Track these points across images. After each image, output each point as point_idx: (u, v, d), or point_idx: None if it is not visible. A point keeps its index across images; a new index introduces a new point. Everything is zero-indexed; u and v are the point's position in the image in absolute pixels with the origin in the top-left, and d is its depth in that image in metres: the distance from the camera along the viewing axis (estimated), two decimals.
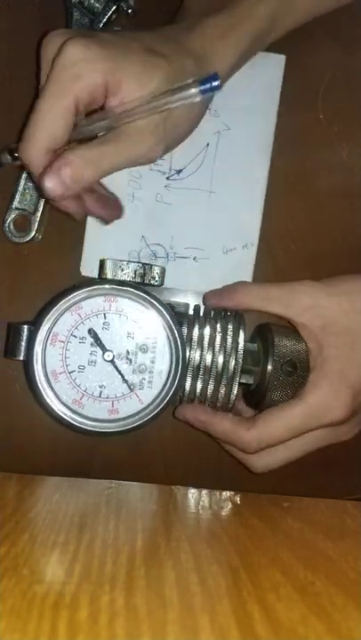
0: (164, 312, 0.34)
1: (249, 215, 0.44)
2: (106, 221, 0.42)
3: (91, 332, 0.35)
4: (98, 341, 0.35)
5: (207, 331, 0.38)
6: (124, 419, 0.36)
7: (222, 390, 0.38)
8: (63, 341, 0.35)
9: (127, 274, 0.37)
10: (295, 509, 0.36)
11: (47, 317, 0.34)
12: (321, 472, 0.46)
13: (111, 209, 0.41)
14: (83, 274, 0.44)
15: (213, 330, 0.38)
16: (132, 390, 0.36)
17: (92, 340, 0.35)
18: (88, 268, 0.43)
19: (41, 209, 0.43)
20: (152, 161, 0.37)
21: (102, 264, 0.39)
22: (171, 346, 0.35)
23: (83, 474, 0.43)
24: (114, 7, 0.42)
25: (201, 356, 0.38)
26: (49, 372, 0.35)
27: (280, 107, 0.44)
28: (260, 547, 0.28)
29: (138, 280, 0.38)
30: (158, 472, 0.46)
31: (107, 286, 0.34)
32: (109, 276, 0.38)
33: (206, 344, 0.38)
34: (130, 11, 0.43)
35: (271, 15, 0.38)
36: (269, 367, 0.38)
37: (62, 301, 0.34)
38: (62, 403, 0.36)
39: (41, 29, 0.44)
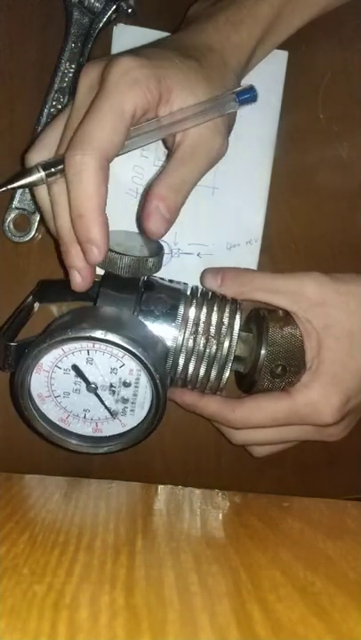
0: (147, 362, 0.34)
1: (252, 211, 0.44)
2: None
3: (74, 367, 0.35)
4: (81, 376, 0.35)
5: (203, 313, 0.38)
6: (108, 438, 0.37)
7: (213, 375, 0.38)
8: (48, 371, 0.35)
9: (121, 268, 0.37)
10: (295, 509, 0.36)
11: (31, 357, 0.34)
12: (321, 471, 0.46)
13: None
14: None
15: (209, 313, 0.38)
16: (114, 417, 0.36)
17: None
18: None
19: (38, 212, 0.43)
20: (223, 155, 0.37)
21: None
22: (152, 389, 0.35)
23: (83, 474, 0.43)
24: (114, 7, 0.42)
25: (195, 338, 0.38)
26: (35, 395, 0.35)
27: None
28: (260, 547, 0.28)
29: (131, 274, 0.37)
30: (158, 472, 0.46)
31: (87, 334, 0.33)
32: (101, 267, 0.37)
33: (201, 327, 0.38)
34: (130, 10, 0.43)
35: (277, 10, 0.38)
36: (261, 363, 0.38)
37: (44, 345, 0.33)
38: (50, 421, 0.36)
39: (41, 29, 0.44)
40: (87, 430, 0.37)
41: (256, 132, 0.44)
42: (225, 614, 0.21)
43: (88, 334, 0.33)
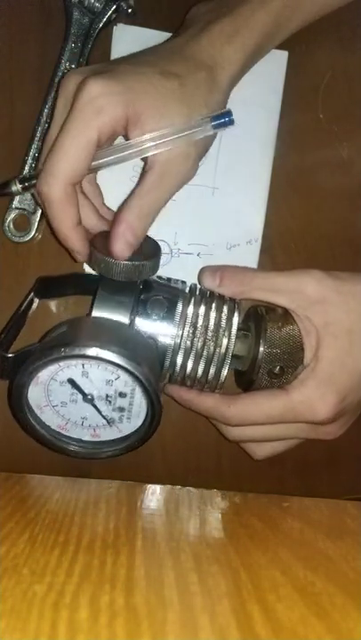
0: (141, 378, 0.34)
1: (253, 211, 0.44)
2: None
3: (70, 381, 0.35)
4: (77, 389, 0.35)
5: (201, 312, 0.38)
6: (106, 443, 0.37)
7: (211, 373, 0.38)
8: (44, 383, 0.35)
9: (117, 273, 0.37)
10: (295, 509, 0.36)
11: (27, 374, 0.34)
12: (321, 471, 0.46)
13: None
14: (86, 270, 0.44)
15: (208, 312, 0.38)
16: (110, 425, 0.37)
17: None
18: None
19: (41, 209, 0.43)
20: (192, 178, 0.38)
21: (93, 249, 0.38)
22: (147, 401, 0.35)
23: (83, 474, 0.43)
24: (114, 7, 0.42)
25: (193, 336, 0.38)
26: (33, 405, 0.36)
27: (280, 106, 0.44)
28: (260, 547, 0.28)
29: (128, 279, 0.37)
30: (158, 472, 0.46)
31: (81, 353, 0.33)
32: (98, 271, 0.38)
33: (199, 326, 0.38)
34: (130, 10, 0.43)
35: (275, 16, 0.38)
36: (258, 364, 0.38)
37: (39, 362, 0.34)
38: (48, 428, 0.37)
39: (41, 29, 0.44)
40: (86, 436, 0.37)
41: (256, 132, 0.44)
42: (225, 614, 0.21)
43: (82, 352, 0.33)
